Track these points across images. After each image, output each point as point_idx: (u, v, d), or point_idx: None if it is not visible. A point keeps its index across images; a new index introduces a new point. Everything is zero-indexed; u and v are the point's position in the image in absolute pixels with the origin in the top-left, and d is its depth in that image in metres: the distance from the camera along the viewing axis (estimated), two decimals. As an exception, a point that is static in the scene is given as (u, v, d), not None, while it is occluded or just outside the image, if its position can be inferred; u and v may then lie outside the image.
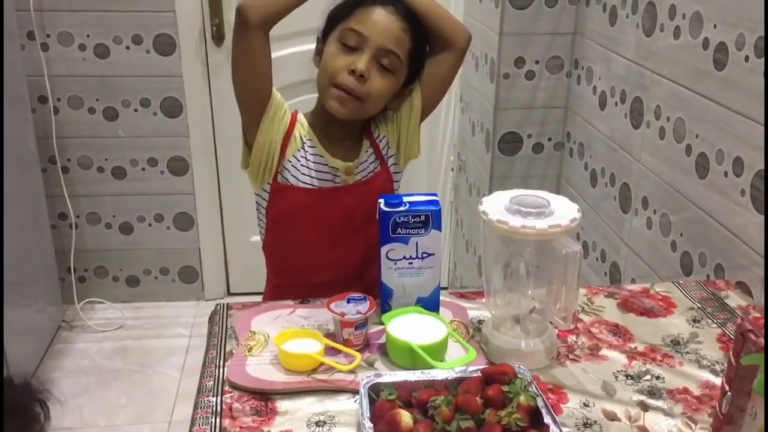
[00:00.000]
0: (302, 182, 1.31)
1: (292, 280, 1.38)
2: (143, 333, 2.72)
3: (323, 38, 1.32)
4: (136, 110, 2.62)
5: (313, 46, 1.35)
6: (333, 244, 1.35)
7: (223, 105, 2.71)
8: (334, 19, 1.29)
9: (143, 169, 2.71)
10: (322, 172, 1.32)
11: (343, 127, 1.33)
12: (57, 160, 2.62)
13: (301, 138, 1.32)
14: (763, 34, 1.25)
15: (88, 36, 2.51)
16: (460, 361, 1.03)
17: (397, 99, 1.34)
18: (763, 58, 1.25)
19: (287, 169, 1.31)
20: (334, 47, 1.27)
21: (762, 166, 1.26)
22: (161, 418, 2.27)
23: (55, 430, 2.32)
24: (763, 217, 1.26)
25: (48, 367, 2.49)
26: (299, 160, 1.31)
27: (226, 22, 2.60)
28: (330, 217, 1.33)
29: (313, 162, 1.31)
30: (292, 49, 2.59)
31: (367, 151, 1.36)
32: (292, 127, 1.31)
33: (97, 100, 2.59)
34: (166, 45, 2.55)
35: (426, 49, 1.33)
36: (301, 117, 1.35)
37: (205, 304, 2.89)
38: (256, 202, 1.37)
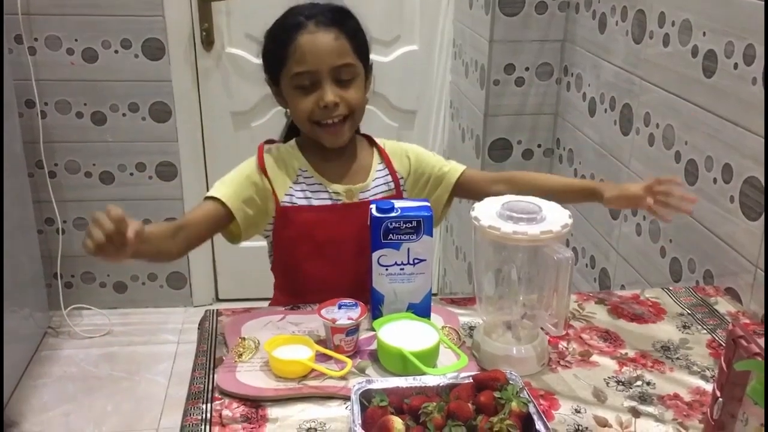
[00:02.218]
0: (305, 204, 1.31)
1: (300, 300, 1.33)
2: (131, 339, 2.70)
3: (273, 81, 1.31)
4: (124, 115, 2.61)
5: None
6: (340, 264, 1.32)
7: (212, 110, 2.70)
8: (272, 66, 1.29)
9: (131, 174, 2.69)
10: (321, 199, 1.31)
11: (342, 152, 1.33)
12: (44, 164, 2.60)
13: (295, 170, 1.31)
14: (752, 42, 1.26)
15: (76, 40, 2.49)
16: (451, 368, 1.03)
17: (367, 81, 1.33)
18: (751, 66, 1.26)
19: (286, 200, 1.30)
20: (292, 93, 1.27)
21: (751, 173, 1.27)
22: (149, 426, 2.25)
23: (41, 437, 2.24)
24: (751, 223, 1.27)
25: (34, 373, 2.47)
26: (295, 194, 1.30)
27: (216, 27, 2.60)
28: (335, 236, 1.31)
29: (311, 191, 1.31)
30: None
31: (378, 175, 1.35)
32: (269, 177, 1.29)
33: (85, 104, 2.58)
34: (155, 49, 2.54)
35: (358, 23, 1.30)
36: (285, 147, 1.33)
37: (193, 310, 2.87)
38: (264, 229, 1.35)
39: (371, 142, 1.40)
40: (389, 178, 1.36)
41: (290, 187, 1.31)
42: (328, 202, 1.31)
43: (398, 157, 1.38)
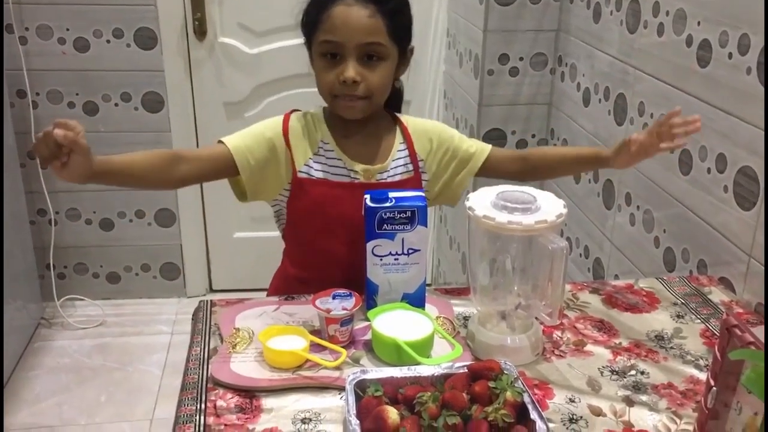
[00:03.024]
0: (322, 177, 1.29)
1: (308, 274, 1.34)
2: (124, 330, 2.69)
3: (307, 46, 1.30)
4: (116, 105, 2.59)
5: (301, 40, 1.34)
6: (351, 242, 1.30)
7: (205, 100, 2.69)
8: (306, 29, 1.28)
9: (124, 164, 2.68)
10: (339, 175, 1.30)
11: (363, 128, 1.31)
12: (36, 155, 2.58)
13: (316, 142, 1.30)
14: (746, 31, 1.26)
15: (67, 29, 2.47)
16: (446, 357, 1.03)
17: (402, 66, 1.32)
18: (746, 55, 1.26)
19: (304, 171, 1.29)
20: (318, 61, 1.26)
21: (745, 163, 1.27)
22: (142, 416, 2.25)
23: (34, 428, 2.31)
24: (745, 212, 1.27)
25: (27, 364, 2.46)
26: (313, 166, 1.29)
27: (208, 16, 2.58)
28: (348, 214, 1.28)
29: (329, 165, 1.29)
30: (281, 43, 2.58)
31: (399, 155, 1.33)
32: (290, 146, 1.28)
33: (77, 94, 2.56)
34: (147, 39, 2.52)
35: (404, 4, 1.28)
36: (312, 116, 1.32)
37: (187, 301, 2.87)
38: (274, 199, 1.33)
39: (395, 119, 1.38)
40: (409, 159, 1.34)
41: (310, 158, 1.29)
42: (346, 180, 1.30)
43: (420, 139, 1.36)
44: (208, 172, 1.28)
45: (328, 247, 1.32)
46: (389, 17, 1.23)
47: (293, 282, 1.36)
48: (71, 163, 1.03)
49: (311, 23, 1.25)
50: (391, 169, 1.32)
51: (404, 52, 1.30)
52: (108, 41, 2.50)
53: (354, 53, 1.22)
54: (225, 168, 1.26)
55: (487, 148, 1.37)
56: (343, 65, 1.23)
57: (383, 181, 1.31)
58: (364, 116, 1.28)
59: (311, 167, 1.29)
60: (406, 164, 1.34)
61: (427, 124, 1.39)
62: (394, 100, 1.37)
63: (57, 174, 1.04)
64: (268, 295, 1.39)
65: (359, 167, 1.30)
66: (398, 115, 1.38)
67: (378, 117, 1.33)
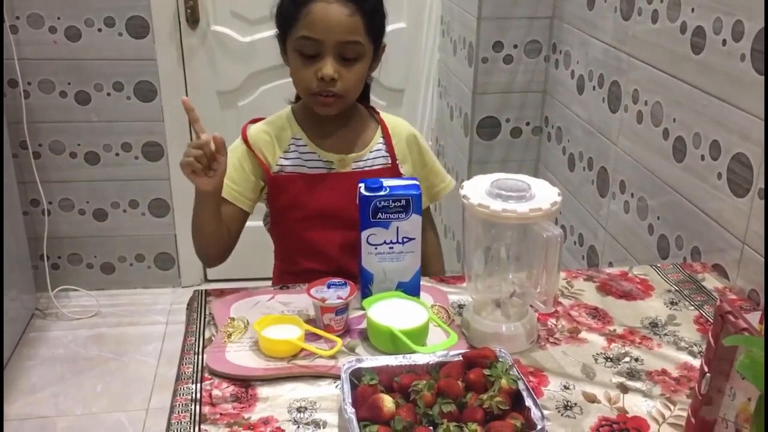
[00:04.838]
0: (296, 172, 1.32)
1: (295, 266, 1.37)
2: (119, 320, 2.69)
3: (281, 41, 1.30)
4: (109, 94, 2.58)
5: None
6: (327, 231, 1.33)
7: (198, 89, 2.68)
8: (282, 23, 1.27)
9: (117, 154, 2.67)
10: (315, 168, 1.32)
11: (337, 120, 1.33)
12: (28, 145, 2.57)
13: (287, 140, 1.33)
14: (740, 18, 1.26)
15: (58, 18, 2.45)
16: (441, 346, 1.03)
17: (375, 63, 1.33)
18: (740, 42, 1.26)
19: (276, 170, 1.32)
20: (295, 58, 1.25)
21: (739, 150, 1.27)
22: (138, 406, 2.25)
23: (30, 418, 2.31)
24: (739, 199, 1.27)
25: (22, 355, 2.46)
26: (284, 162, 1.32)
27: (201, 4, 2.56)
28: (327, 204, 1.32)
29: (303, 159, 1.32)
30: (274, 31, 2.56)
31: (375, 151, 1.35)
32: (255, 152, 1.32)
33: (69, 83, 2.55)
34: (139, 28, 2.51)
35: (380, 2, 1.28)
36: (279, 118, 1.35)
37: (181, 291, 2.87)
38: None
39: (373, 113, 1.39)
40: (386, 152, 1.36)
41: (280, 157, 1.32)
42: (323, 171, 1.31)
43: (401, 142, 1.38)
44: (239, 227, 1.35)
45: (312, 238, 1.34)
46: (368, 16, 1.24)
47: (287, 278, 1.37)
48: (219, 173, 1.17)
49: (288, 18, 1.24)
50: (369, 159, 1.35)
51: (378, 50, 1.31)
52: (99, 30, 2.48)
53: (332, 51, 1.22)
54: (242, 214, 1.33)
55: (451, 186, 1.44)
56: (321, 62, 1.23)
57: (359, 170, 1.33)
58: (340, 112, 1.29)
59: (283, 165, 1.32)
60: (385, 156, 1.36)
61: (411, 131, 1.41)
62: (363, 92, 1.38)
63: (203, 183, 1.17)
64: None
65: (334, 157, 1.32)
66: (377, 110, 1.40)
67: (351, 110, 1.35)
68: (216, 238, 1.30)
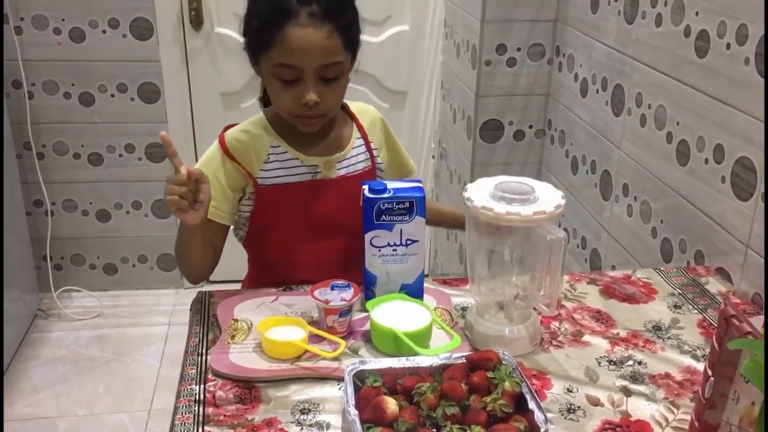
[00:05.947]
0: (281, 182, 1.28)
1: (273, 276, 1.32)
2: (121, 321, 2.69)
3: (252, 58, 1.24)
4: (112, 96, 2.58)
5: None
6: (314, 241, 1.30)
7: (201, 90, 2.68)
8: (254, 45, 1.22)
9: (120, 155, 2.68)
10: (298, 174, 1.29)
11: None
12: (32, 146, 2.57)
13: (265, 148, 1.28)
14: (744, 21, 1.26)
15: (63, 20, 2.46)
16: (444, 348, 1.03)
17: (351, 67, 1.28)
18: (744, 46, 1.26)
19: (259, 181, 1.27)
20: (273, 82, 1.21)
21: (743, 153, 1.27)
22: (140, 407, 2.25)
23: (32, 419, 2.30)
24: (742, 203, 1.27)
25: (24, 355, 2.46)
26: (267, 174, 1.27)
27: (204, 6, 2.57)
28: (311, 212, 1.29)
29: (286, 167, 1.28)
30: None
31: (356, 148, 1.34)
32: (238, 161, 1.27)
33: (73, 85, 2.55)
34: (143, 29, 2.51)
35: (355, 12, 1.23)
36: (253, 125, 1.30)
37: (184, 292, 2.87)
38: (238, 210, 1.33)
39: (346, 110, 1.36)
40: (365, 149, 1.35)
41: (261, 170, 1.27)
42: (307, 177, 1.29)
43: (375, 130, 1.38)
44: (222, 241, 1.33)
45: (291, 244, 1.31)
46: (344, 32, 1.19)
47: (265, 286, 1.31)
48: (205, 203, 1.15)
49: (261, 42, 1.19)
50: (352, 157, 1.33)
51: (354, 56, 1.26)
52: (104, 31, 2.49)
53: (313, 75, 1.18)
54: (224, 228, 1.31)
55: (415, 169, 1.47)
56: (302, 87, 1.19)
57: (344, 175, 1.31)
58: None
59: (265, 176, 1.27)
60: (365, 153, 1.35)
61: (371, 114, 1.40)
62: None
63: (190, 218, 1.15)
64: None
65: (319, 160, 1.29)
66: (349, 105, 1.37)
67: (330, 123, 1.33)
68: (205, 261, 1.28)
